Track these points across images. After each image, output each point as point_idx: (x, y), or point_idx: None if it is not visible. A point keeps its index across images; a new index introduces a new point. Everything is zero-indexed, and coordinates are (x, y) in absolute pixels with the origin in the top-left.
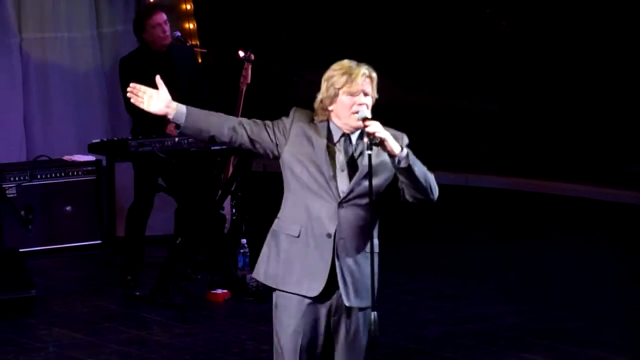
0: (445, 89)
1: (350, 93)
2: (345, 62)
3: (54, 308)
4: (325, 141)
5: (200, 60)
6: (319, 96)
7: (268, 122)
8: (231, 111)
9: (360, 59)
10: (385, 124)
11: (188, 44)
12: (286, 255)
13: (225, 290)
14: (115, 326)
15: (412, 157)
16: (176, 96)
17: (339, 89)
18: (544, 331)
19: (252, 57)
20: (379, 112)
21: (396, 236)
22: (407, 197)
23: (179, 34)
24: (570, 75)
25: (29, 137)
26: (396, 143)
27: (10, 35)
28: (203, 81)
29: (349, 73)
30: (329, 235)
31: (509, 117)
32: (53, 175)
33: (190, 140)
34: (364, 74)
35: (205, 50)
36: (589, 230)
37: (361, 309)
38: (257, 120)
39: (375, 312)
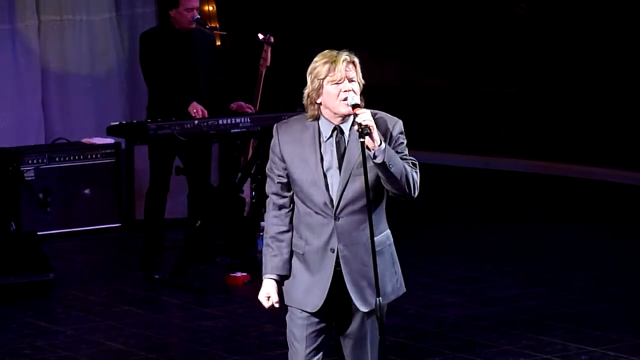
0: (465, 72)
1: (334, 81)
2: (326, 52)
3: (72, 291)
4: (317, 155)
5: (219, 43)
6: (306, 91)
7: (268, 168)
8: (251, 93)
9: (379, 42)
10: (404, 106)
11: (207, 27)
12: (295, 272)
13: (245, 274)
14: (134, 309)
15: (390, 153)
16: (195, 79)
17: (323, 79)
18: (563, 314)
19: (272, 39)
20: (399, 95)
21: (416, 219)
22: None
23: (199, 16)
24: (590, 57)
25: (47, 120)
26: (378, 136)
27: (29, 17)
28: (220, 66)
29: (330, 62)
30: (332, 250)
31: (528, 100)
32: (71, 158)
33: (209, 122)
34: (344, 60)
35: (224, 33)
36: (608, 213)
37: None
38: (269, 180)
39: (380, 298)
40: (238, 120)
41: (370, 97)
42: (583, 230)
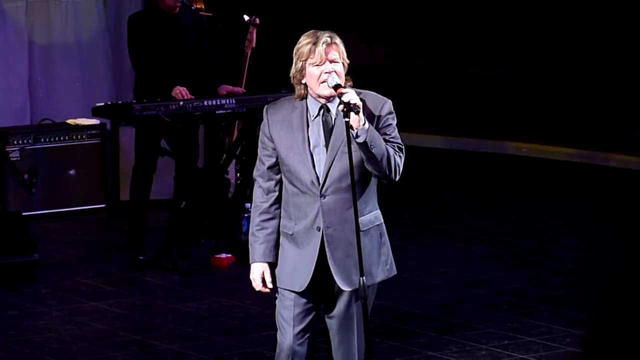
0: (451, 53)
1: (315, 64)
2: (310, 32)
3: (57, 272)
4: (305, 133)
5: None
6: (291, 71)
7: (259, 150)
8: (236, 75)
9: (367, 24)
10: (391, 88)
11: (192, 8)
12: (284, 253)
13: (230, 255)
14: (119, 290)
15: (373, 134)
16: (183, 61)
17: (305, 60)
18: (548, 297)
19: (257, 21)
20: (386, 76)
21: (400, 201)
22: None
23: None
24: (576, 38)
25: (33, 101)
26: (362, 116)
27: None
28: (209, 46)
29: (311, 43)
30: (318, 229)
31: (514, 81)
32: (57, 138)
33: (194, 104)
34: (325, 41)
35: (210, 14)
36: (592, 195)
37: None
38: (258, 161)
39: (363, 278)
40: (223, 101)
41: (358, 79)
42: (567, 212)
